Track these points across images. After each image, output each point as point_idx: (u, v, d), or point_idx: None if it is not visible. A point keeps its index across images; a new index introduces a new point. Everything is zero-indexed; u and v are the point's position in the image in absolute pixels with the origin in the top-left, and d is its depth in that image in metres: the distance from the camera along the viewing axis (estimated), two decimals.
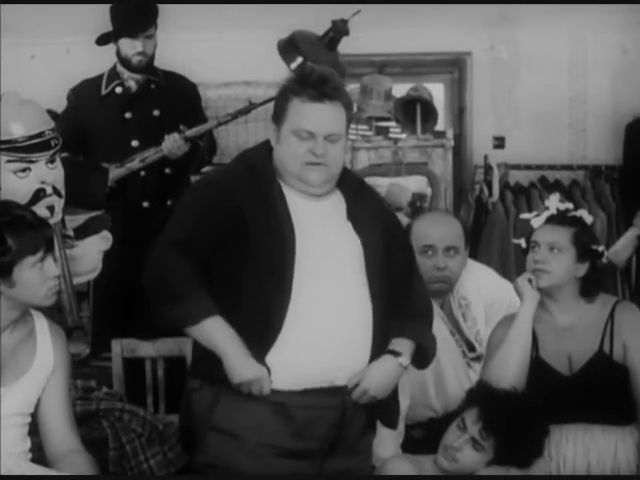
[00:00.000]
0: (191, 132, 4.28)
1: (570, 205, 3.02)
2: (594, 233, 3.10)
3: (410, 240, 3.02)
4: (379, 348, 2.59)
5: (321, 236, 2.59)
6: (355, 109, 5.37)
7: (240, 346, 2.47)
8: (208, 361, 2.52)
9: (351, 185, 2.74)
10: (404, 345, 2.61)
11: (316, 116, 2.59)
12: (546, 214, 2.98)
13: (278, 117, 2.65)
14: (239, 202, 2.56)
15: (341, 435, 2.58)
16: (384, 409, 2.68)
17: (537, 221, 2.99)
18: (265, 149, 2.72)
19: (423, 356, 2.67)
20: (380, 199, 2.93)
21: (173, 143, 4.23)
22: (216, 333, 2.48)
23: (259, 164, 2.66)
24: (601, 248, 2.99)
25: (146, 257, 2.60)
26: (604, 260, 3.02)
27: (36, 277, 2.42)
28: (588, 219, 3.00)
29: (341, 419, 2.57)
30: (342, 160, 2.67)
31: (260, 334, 2.49)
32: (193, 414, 2.61)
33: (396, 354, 2.59)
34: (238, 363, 2.46)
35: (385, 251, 2.64)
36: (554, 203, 2.99)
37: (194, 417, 2.61)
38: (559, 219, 2.96)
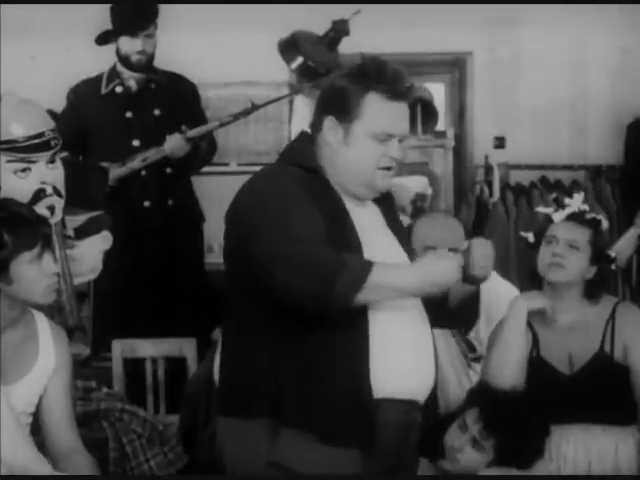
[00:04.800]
0: (193, 132, 4.28)
1: (587, 207, 3.02)
2: (607, 238, 3.12)
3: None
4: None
5: (383, 247, 2.39)
6: None
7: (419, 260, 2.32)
8: (262, 391, 2.29)
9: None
10: None
11: (397, 116, 2.33)
12: (568, 211, 2.98)
13: (347, 114, 2.32)
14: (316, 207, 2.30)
15: (403, 458, 2.40)
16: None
17: (558, 216, 2.98)
18: (309, 149, 2.42)
19: None
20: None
21: (175, 143, 4.24)
22: (391, 273, 2.26)
23: (313, 167, 2.38)
24: (613, 254, 3.00)
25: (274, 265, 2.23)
26: (613, 267, 3.03)
27: (34, 273, 2.41)
28: (605, 223, 3.01)
29: (405, 439, 2.38)
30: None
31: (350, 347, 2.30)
32: (233, 451, 2.37)
33: None
34: (436, 265, 2.28)
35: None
36: (577, 202, 2.99)
37: (234, 453, 2.36)
38: (580, 218, 2.97)
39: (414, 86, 2.44)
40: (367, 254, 2.30)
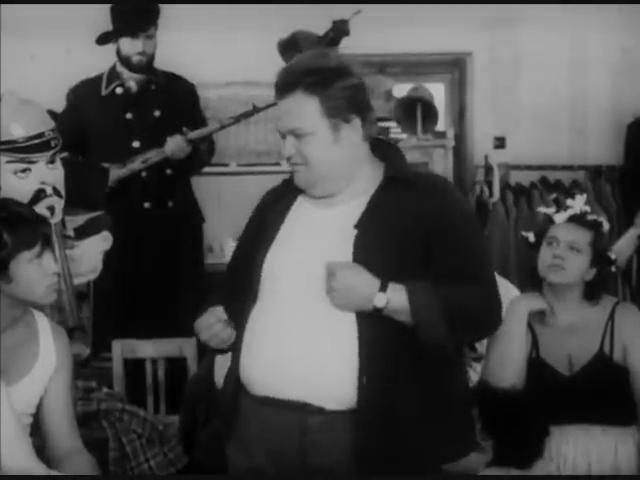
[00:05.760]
0: (194, 134, 4.29)
1: (589, 208, 3.02)
2: (608, 240, 3.11)
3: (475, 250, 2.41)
4: (374, 375, 2.24)
5: (307, 250, 2.32)
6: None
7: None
8: None
9: (387, 183, 2.36)
10: (397, 290, 2.22)
11: (280, 112, 2.34)
12: (570, 212, 2.98)
13: None
14: (255, 219, 2.51)
15: (309, 463, 2.29)
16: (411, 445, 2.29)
17: (560, 217, 2.98)
18: None
19: (421, 329, 2.23)
20: (436, 200, 2.33)
21: (176, 145, 4.24)
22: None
23: None
24: (613, 256, 3.00)
25: None
26: (613, 269, 3.03)
27: (34, 273, 2.41)
28: (606, 225, 3.01)
29: (300, 443, 2.28)
30: (328, 155, 2.30)
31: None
32: None
33: (383, 285, 2.22)
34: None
35: (399, 268, 2.25)
36: (579, 204, 2.99)
37: None
38: (581, 220, 2.96)
39: (318, 72, 2.28)
40: (283, 254, 2.35)
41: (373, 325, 2.25)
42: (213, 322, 2.36)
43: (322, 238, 2.33)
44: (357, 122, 2.32)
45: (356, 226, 2.29)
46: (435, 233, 2.28)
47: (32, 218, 2.45)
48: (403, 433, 2.27)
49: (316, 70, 2.29)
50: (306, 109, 2.28)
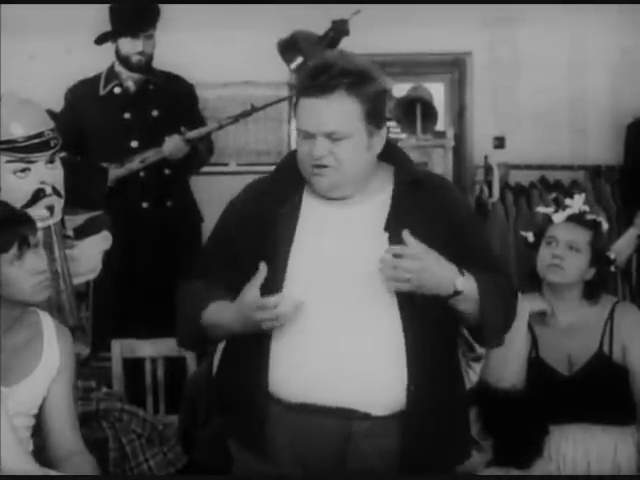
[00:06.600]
0: (192, 134, 4.28)
1: (588, 208, 3.02)
2: (607, 240, 3.12)
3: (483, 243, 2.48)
4: (420, 378, 2.23)
5: (335, 250, 2.27)
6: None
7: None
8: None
9: (403, 185, 2.34)
10: (468, 276, 2.21)
11: (311, 113, 2.24)
12: (569, 212, 2.98)
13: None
14: (253, 217, 2.35)
15: (347, 468, 2.25)
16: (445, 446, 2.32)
17: (558, 217, 2.98)
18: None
19: (482, 326, 2.25)
20: (445, 199, 2.37)
21: (174, 145, 4.24)
22: (217, 312, 2.31)
23: (286, 167, 2.41)
24: (613, 255, 3.00)
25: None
26: (612, 268, 3.03)
27: (17, 274, 2.36)
28: (605, 225, 3.01)
29: (343, 450, 2.25)
30: (359, 160, 2.27)
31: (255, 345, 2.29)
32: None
33: (460, 270, 2.20)
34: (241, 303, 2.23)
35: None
36: (578, 203, 2.99)
37: None
38: (580, 219, 2.96)
39: (353, 74, 2.24)
40: (303, 257, 2.27)
41: (415, 325, 2.23)
42: (280, 299, 2.17)
43: (351, 238, 2.29)
44: (385, 130, 2.31)
45: (386, 228, 2.27)
46: (447, 230, 2.29)
47: (6, 220, 2.40)
48: (442, 433, 2.29)
49: (354, 71, 2.25)
50: (347, 110, 2.23)
